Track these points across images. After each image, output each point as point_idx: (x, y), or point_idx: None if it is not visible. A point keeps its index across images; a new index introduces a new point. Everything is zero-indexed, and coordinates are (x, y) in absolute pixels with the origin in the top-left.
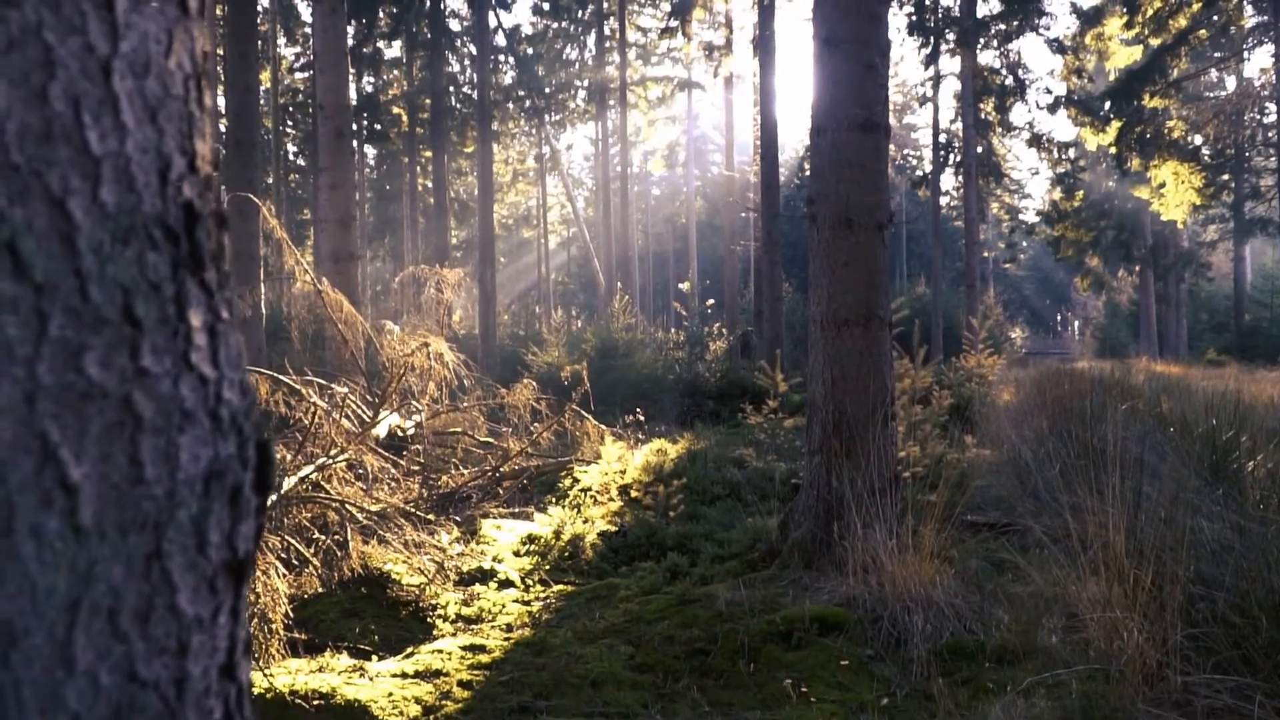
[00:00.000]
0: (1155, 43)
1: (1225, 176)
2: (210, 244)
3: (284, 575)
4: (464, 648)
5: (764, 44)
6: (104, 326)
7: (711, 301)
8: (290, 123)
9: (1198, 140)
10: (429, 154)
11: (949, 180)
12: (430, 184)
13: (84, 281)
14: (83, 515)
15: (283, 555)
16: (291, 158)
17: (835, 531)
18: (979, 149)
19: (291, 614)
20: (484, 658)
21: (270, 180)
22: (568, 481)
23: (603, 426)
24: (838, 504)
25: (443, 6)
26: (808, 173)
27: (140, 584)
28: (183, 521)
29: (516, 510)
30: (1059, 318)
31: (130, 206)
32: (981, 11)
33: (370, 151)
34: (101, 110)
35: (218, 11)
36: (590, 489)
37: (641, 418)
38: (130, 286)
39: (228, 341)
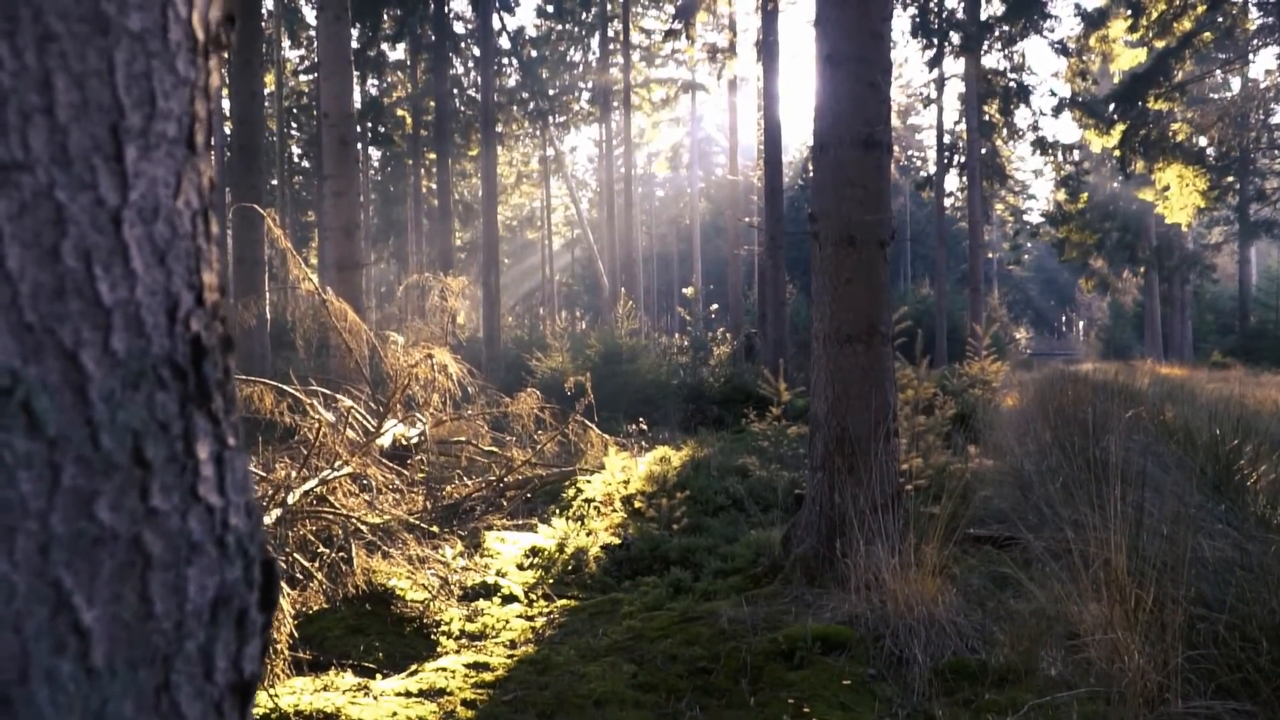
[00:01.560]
0: (1160, 45)
1: (1230, 179)
2: (217, 373)
3: (288, 594)
4: (468, 665)
5: (768, 50)
6: (114, 471)
7: (715, 306)
8: (294, 125)
9: (1202, 142)
10: (433, 156)
11: (953, 181)
12: (434, 186)
13: (95, 430)
14: (94, 657)
15: (287, 570)
16: (296, 160)
17: (838, 548)
18: (983, 150)
19: (296, 631)
20: (488, 676)
21: (275, 182)
22: (571, 492)
23: (606, 436)
24: (840, 520)
25: (447, 10)
26: (811, 173)
27: (149, 717)
28: (190, 652)
29: (520, 522)
30: (1063, 318)
31: (140, 350)
32: (985, 14)
33: (375, 154)
34: (112, 260)
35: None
36: (594, 500)
37: (645, 426)
38: (140, 429)
39: (234, 466)
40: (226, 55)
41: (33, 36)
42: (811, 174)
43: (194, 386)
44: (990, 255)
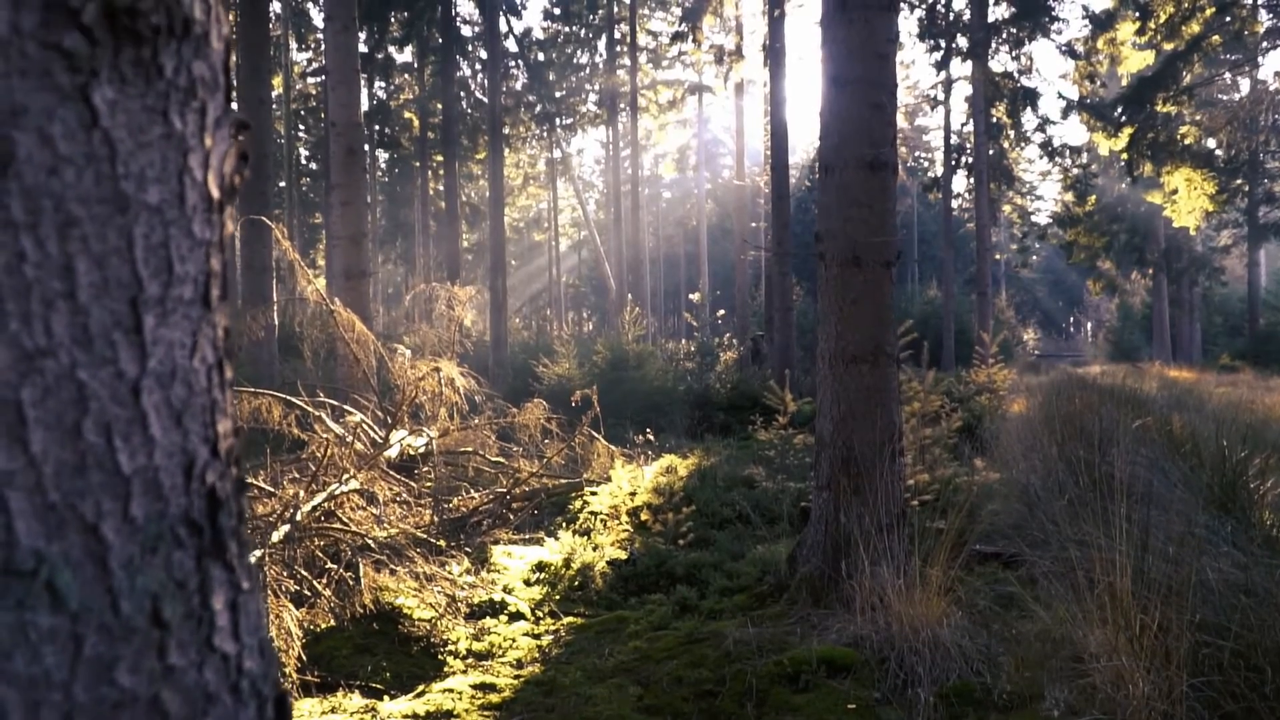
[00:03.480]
0: (1168, 48)
1: (1239, 181)
2: (231, 521)
3: (296, 618)
4: (474, 686)
5: (774, 55)
6: (134, 635)
7: (722, 312)
8: (302, 128)
9: (1211, 144)
10: (440, 159)
11: (960, 183)
12: (442, 189)
13: (115, 598)
14: None
15: (295, 587)
16: (304, 162)
17: (843, 569)
18: (990, 152)
19: (304, 652)
20: (494, 697)
21: (283, 184)
22: (578, 504)
23: (613, 448)
24: (845, 540)
25: (454, 13)
26: (817, 175)
27: None
28: None
29: (527, 536)
30: (1071, 320)
31: (158, 513)
32: (992, 16)
33: (382, 157)
34: (131, 430)
35: (230, 18)
36: (600, 513)
37: (651, 436)
38: (158, 590)
39: (247, 610)
40: (235, 58)
41: (54, 225)
42: (818, 197)
43: (210, 540)
44: (998, 257)
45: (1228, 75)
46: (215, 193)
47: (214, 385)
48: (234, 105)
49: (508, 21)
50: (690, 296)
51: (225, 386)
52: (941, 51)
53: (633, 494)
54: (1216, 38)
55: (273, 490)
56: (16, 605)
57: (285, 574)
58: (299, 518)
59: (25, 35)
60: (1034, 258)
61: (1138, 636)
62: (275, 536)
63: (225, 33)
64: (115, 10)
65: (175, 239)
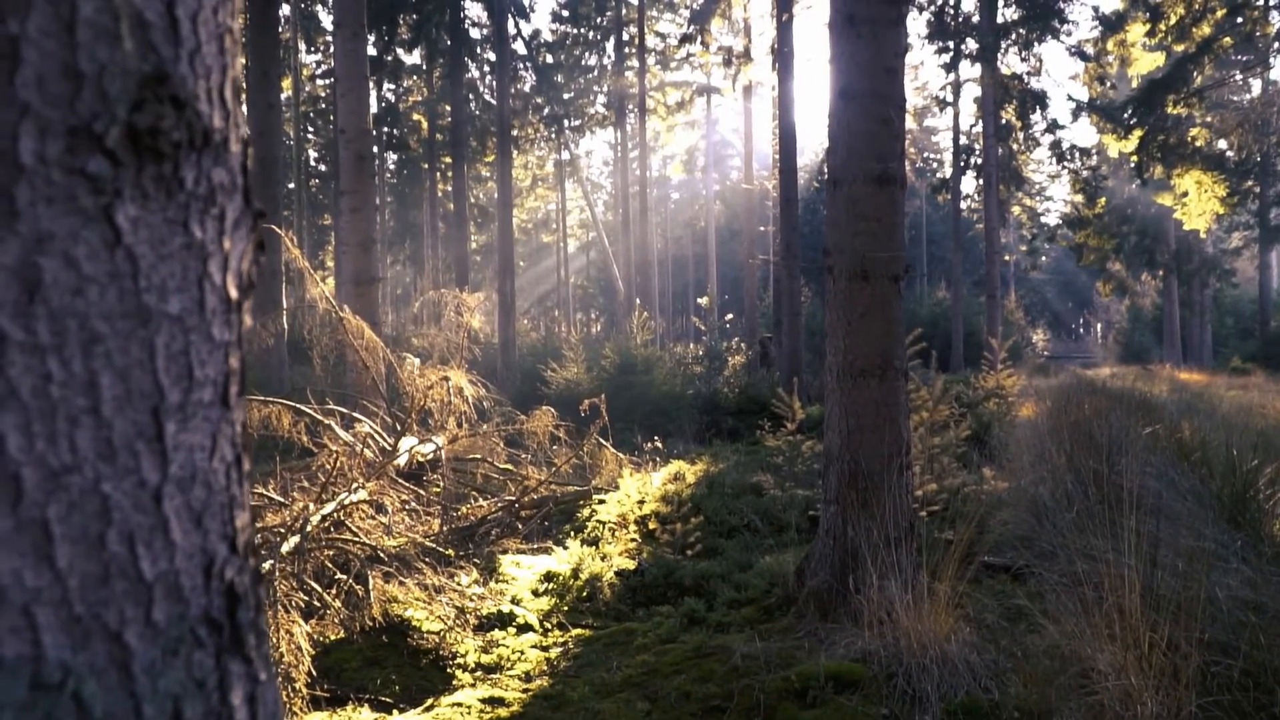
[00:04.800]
0: (1179, 49)
1: (1250, 183)
2: (250, 614)
3: (306, 632)
4: (483, 700)
5: (783, 59)
6: None
7: (730, 316)
8: (311, 129)
9: (1222, 145)
10: (449, 161)
11: (969, 184)
12: (450, 190)
13: (139, 702)
14: None
15: (304, 599)
16: (313, 164)
17: (851, 583)
18: (999, 152)
19: (314, 665)
20: (503, 712)
21: (292, 185)
22: (586, 512)
23: (621, 455)
24: (853, 554)
25: (462, 16)
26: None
27: None
28: None
29: (535, 545)
30: (1081, 321)
31: (179, 616)
32: (1002, 18)
33: (390, 158)
34: (153, 537)
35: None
36: (608, 522)
37: (660, 442)
38: (180, 692)
39: (265, 700)
40: (244, 61)
41: (79, 343)
42: (825, 212)
43: (229, 636)
44: (1007, 259)
45: (1239, 76)
46: (234, 294)
47: (232, 482)
48: (252, 202)
49: (516, 24)
50: (699, 300)
51: (243, 480)
52: (951, 53)
53: (641, 502)
54: (1227, 39)
55: (283, 500)
56: (45, 718)
57: (295, 587)
58: (308, 529)
59: (51, 164)
60: (1043, 259)
61: (1146, 655)
62: (285, 548)
63: (243, 133)
64: (138, 131)
65: (195, 345)
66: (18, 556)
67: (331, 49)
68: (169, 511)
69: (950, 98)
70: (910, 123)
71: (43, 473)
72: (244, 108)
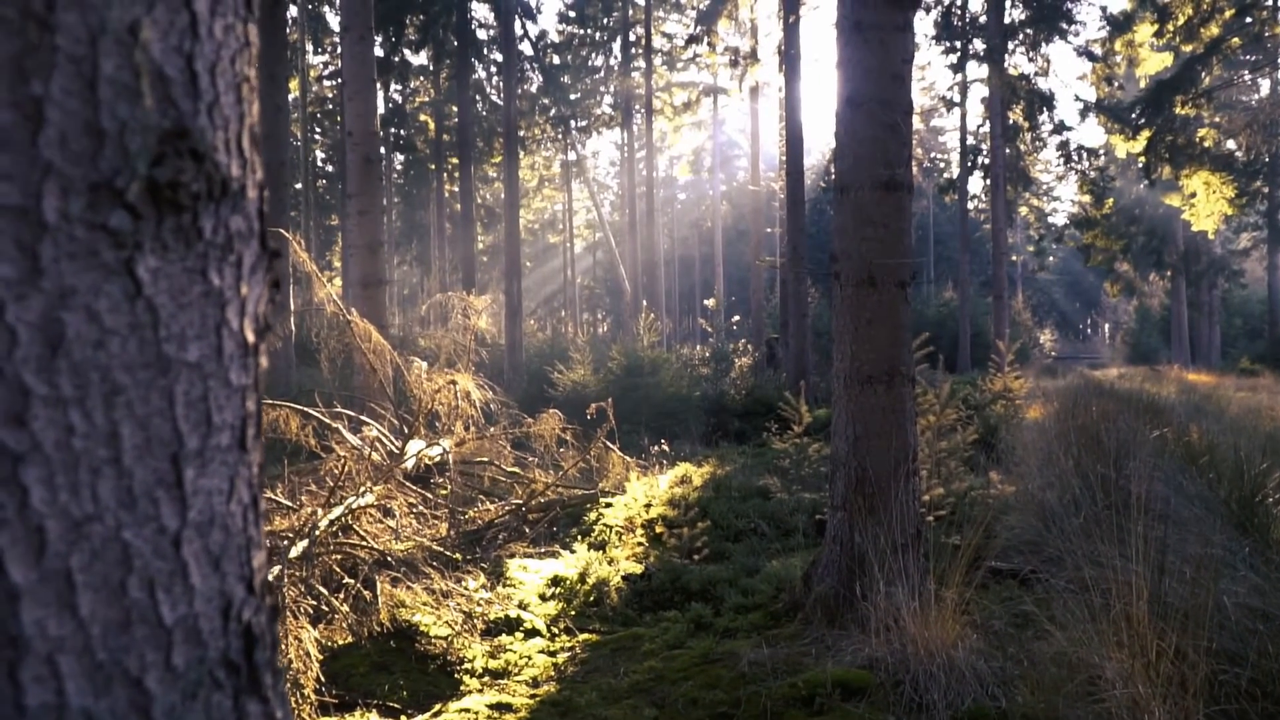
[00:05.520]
0: (1187, 50)
1: (1259, 184)
2: (266, 654)
3: (314, 638)
4: (490, 706)
5: (789, 61)
6: None
7: (736, 318)
8: (319, 130)
9: (1230, 145)
10: (456, 161)
11: (976, 184)
12: (457, 191)
13: None
14: None
15: (313, 604)
16: (320, 165)
17: (858, 589)
18: (1006, 152)
19: (322, 670)
20: (510, 717)
21: (299, 185)
22: (593, 515)
23: (628, 459)
24: (860, 561)
25: (469, 17)
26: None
27: None
28: None
29: (543, 549)
30: (1089, 321)
31: (198, 659)
32: (1009, 18)
33: (398, 159)
34: (173, 582)
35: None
36: (615, 525)
37: (666, 445)
38: None
39: None
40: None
41: (101, 395)
42: (833, 218)
43: (247, 678)
44: (1015, 259)
45: (1247, 77)
46: (251, 337)
47: (249, 524)
48: (268, 245)
49: (523, 25)
50: (705, 301)
51: (259, 520)
52: (958, 54)
53: (648, 505)
54: (1236, 40)
55: (290, 505)
56: None
57: (303, 592)
58: (317, 534)
59: (74, 220)
60: (1051, 259)
61: (1154, 662)
62: (294, 553)
63: (259, 178)
64: (158, 185)
65: (214, 391)
66: (42, 607)
67: (338, 50)
68: (188, 556)
69: (957, 98)
70: (917, 123)
71: (66, 524)
72: (260, 153)
